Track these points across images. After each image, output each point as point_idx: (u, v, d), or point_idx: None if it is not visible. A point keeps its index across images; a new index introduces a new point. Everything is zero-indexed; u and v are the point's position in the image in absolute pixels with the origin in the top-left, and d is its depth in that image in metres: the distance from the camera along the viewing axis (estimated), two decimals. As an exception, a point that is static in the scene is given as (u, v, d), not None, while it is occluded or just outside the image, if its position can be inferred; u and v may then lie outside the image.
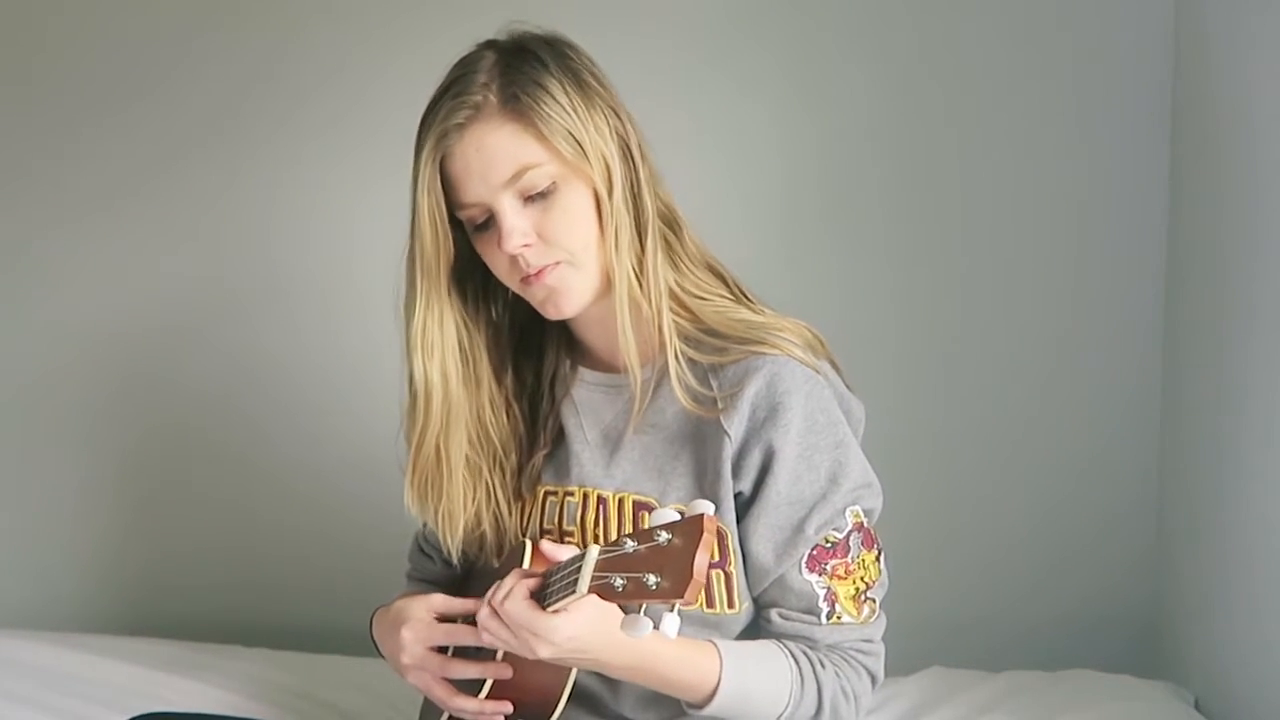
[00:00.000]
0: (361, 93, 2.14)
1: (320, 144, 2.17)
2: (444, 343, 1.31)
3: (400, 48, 2.10)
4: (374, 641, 1.43)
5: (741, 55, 2.08)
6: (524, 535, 1.35)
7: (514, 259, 1.26)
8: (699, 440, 1.29)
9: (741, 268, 1.39)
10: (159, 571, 2.29)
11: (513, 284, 1.30)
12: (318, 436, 2.21)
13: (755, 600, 1.31)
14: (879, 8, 2.04)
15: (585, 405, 1.37)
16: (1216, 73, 1.83)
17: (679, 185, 1.37)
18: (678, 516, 1.04)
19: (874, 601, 1.31)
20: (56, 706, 1.78)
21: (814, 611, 1.28)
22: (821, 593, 1.28)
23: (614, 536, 1.28)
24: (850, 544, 1.28)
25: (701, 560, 1.00)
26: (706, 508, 1.03)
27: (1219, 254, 1.81)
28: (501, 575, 1.20)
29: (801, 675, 1.25)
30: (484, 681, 1.27)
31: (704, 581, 1.01)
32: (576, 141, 1.24)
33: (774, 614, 1.29)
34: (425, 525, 1.53)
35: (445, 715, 1.34)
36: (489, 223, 1.26)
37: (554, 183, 1.25)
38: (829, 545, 1.27)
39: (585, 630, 1.14)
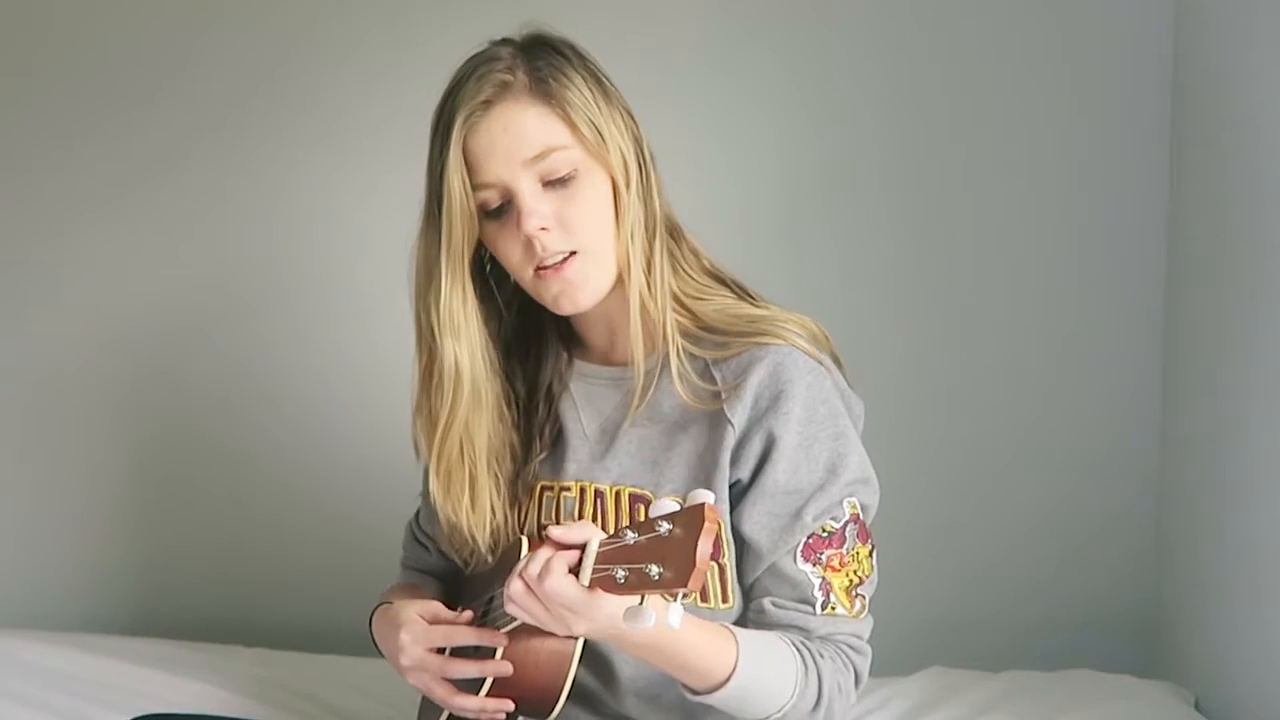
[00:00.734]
0: (363, 93, 2.15)
1: (322, 144, 2.17)
2: (469, 324, 1.30)
3: (402, 48, 2.11)
4: (374, 640, 1.43)
5: (741, 55, 2.08)
6: (521, 532, 1.35)
7: (529, 244, 1.25)
8: (698, 430, 1.29)
9: (741, 268, 1.40)
10: (159, 571, 2.29)
11: (524, 275, 1.28)
12: (318, 437, 2.21)
13: (747, 591, 1.31)
14: (879, 8, 2.05)
15: (584, 399, 1.37)
16: (1216, 72, 1.83)
17: (678, 185, 1.37)
18: (677, 507, 1.04)
19: (864, 598, 1.31)
20: (57, 706, 1.78)
21: (809, 601, 1.27)
22: (816, 582, 1.27)
23: (612, 530, 1.28)
24: (846, 535, 1.28)
25: (704, 549, 1.00)
26: (707, 497, 1.03)
27: (1219, 254, 1.81)
28: (497, 573, 1.19)
29: (805, 667, 1.24)
30: (484, 680, 1.27)
31: (706, 570, 1.00)
32: (599, 131, 1.25)
33: (768, 603, 1.28)
34: (419, 515, 1.54)
35: (445, 715, 1.34)
36: (503, 209, 1.26)
37: (575, 169, 1.25)
38: (825, 535, 1.27)
39: (618, 609, 1.09)
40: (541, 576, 1.09)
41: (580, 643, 1.25)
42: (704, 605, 1.29)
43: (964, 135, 2.05)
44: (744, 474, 1.28)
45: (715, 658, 1.20)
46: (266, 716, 1.75)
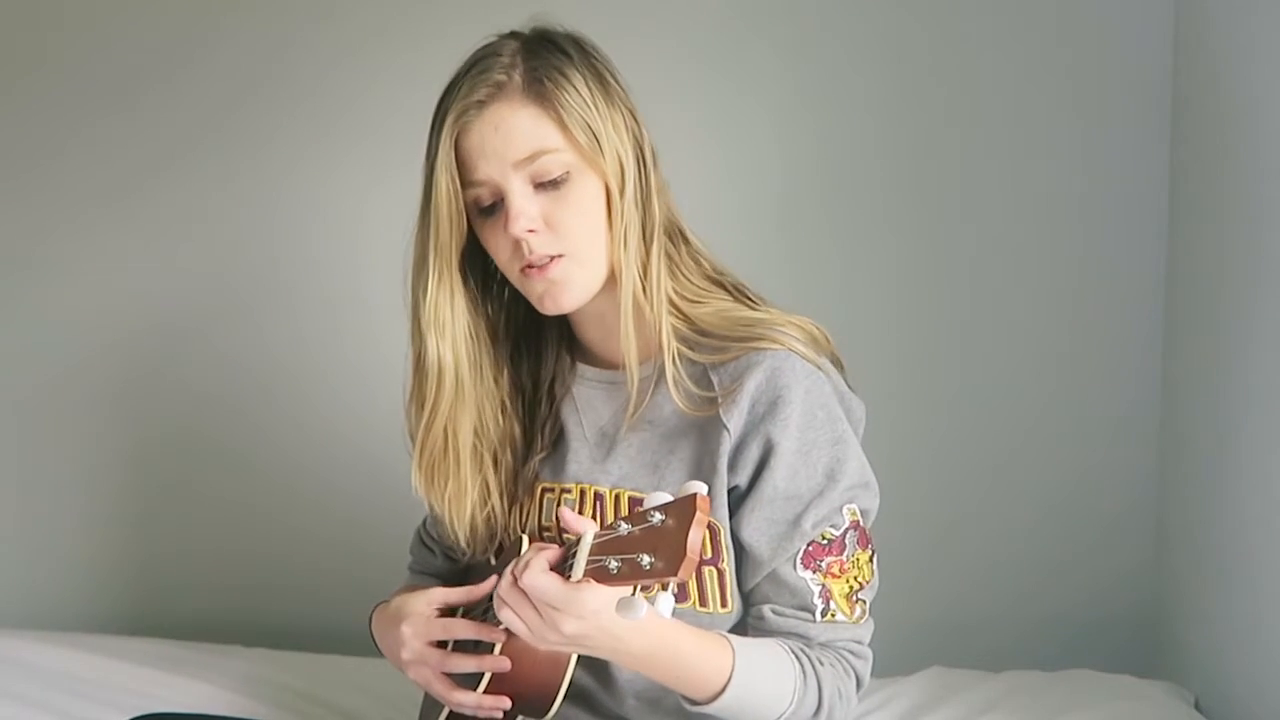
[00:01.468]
0: (364, 91, 2.15)
1: (323, 142, 2.17)
2: (455, 320, 1.30)
3: (403, 46, 2.11)
4: (373, 638, 1.43)
5: (741, 55, 2.08)
6: (522, 532, 1.35)
7: (517, 244, 1.25)
8: (696, 435, 1.29)
9: (741, 267, 1.39)
10: (159, 571, 2.29)
11: (512, 273, 1.29)
12: (318, 436, 2.21)
13: (746, 597, 1.31)
14: (879, 7, 2.05)
15: (585, 402, 1.37)
16: (1216, 73, 1.83)
17: (678, 185, 1.37)
18: (670, 498, 1.04)
19: (865, 603, 1.30)
20: (57, 706, 1.79)
21: (808, 608, 1.27)
22: (816, 589, 1.27)
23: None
24: (846, 542, 1.28)
25: (695, 537, 1.00)
26: (699, 488, 1.03)
27: (1219, 256, 1.81)
28: (497, 572, 1.19)
29: (804, 674, 1.24)
30: (482, 677, 1.28)
31: (697, 559, 1.00)
32: (594, 135, 1.24)
33: (767, 610, 1.28)
34: (427, 519, 1.54)
35: (445, 711, 1.34)
36: (495, 206, 1.26)
37: (567, 172, 1.24)
38: (825, 542, 1.27)
39: (605, 608, 1.09)
40: (523, 572, 1.10)
41: None
42: (703, 610, 1.29)
43: (964, 135, 2.05)
44: (742, 480, 1.28)
45: (711, 666, 1.19)
46: (266, 716, 1.75)
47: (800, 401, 1.26)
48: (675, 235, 1.34)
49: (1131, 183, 2.01)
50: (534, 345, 1.40)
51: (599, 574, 1.04)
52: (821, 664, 1.26)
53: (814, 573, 1.27)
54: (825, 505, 1.27)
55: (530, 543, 1.25)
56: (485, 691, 1.27)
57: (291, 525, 2.23)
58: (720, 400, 1.27)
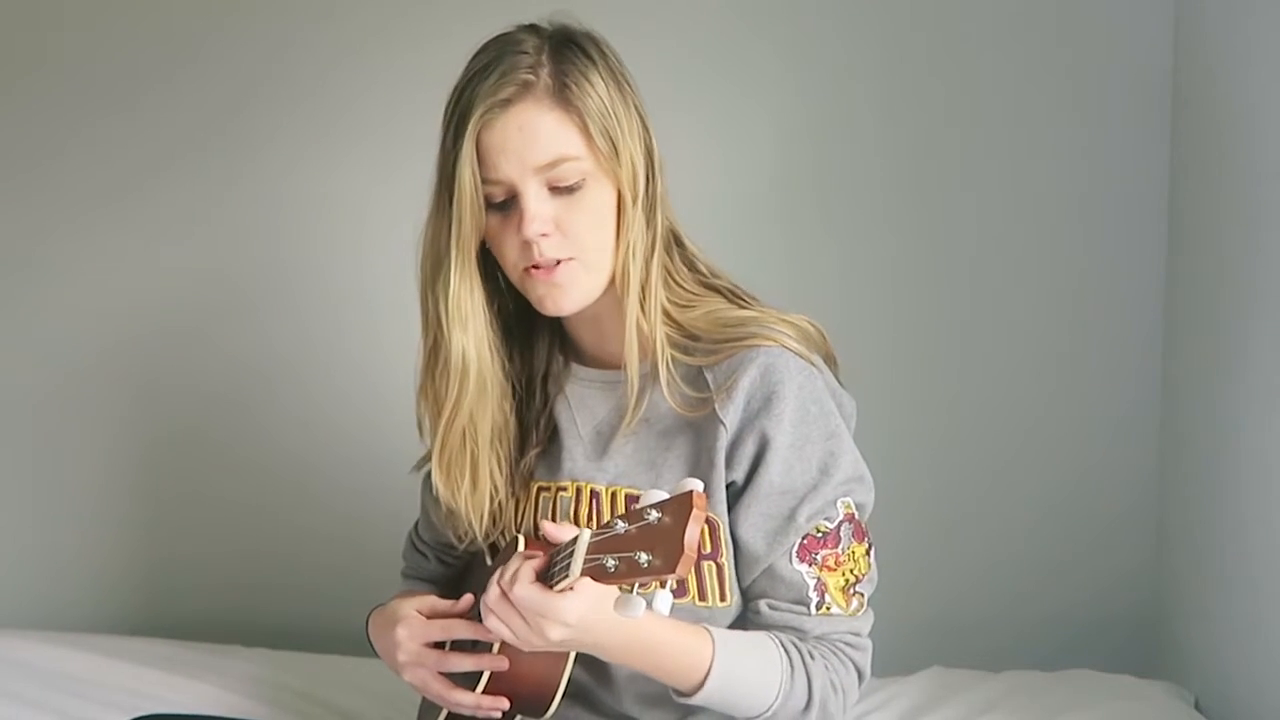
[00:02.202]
0: (365, 90, 2.15)
1: (325, 141, 2.17)
2: (476, 315, 1.30)
3: (405, 45, 2.11)
4: (369, 642, 1.43)
5: (742, 56, 2.08)
6: (517, 531, 1.35)
7: (526, 245, 1.25)
8: (693, 431, 1.29)
9: (739, 267, 1.39)
10: (159, 571, 2.29)
11: (515, 272, 1.28)
12: (319, 436, 2.22)
13: (744, 592, 1.31)
14: (879, 8, 2.05)
15: (579, 401, 1.37)
16: (1216, 73, 1.83)
17: (678, 184, 1.37)
18: (666, 496, 1.04)
19: (862, 595, 1.31)
20: (58, 706, 1.79)
21: (803, 602, 1.27)
22: (811, 583, 1.27)
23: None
24: (841, 535, 1.28)
25: (692, 535, 1.00)
26: (695, 485, 1.03)
27: (1219, 255, 1.81)
28: (495, 573, 1.19)
29: (792, 666, 1.24)
30: (480, 676, 1.27)
31: (695, 556, 1.00)
32: (613, 142, 1.24)
33: (763, 605, 1.29)
34: (418, 523, 1.55)
35: (444, 712, 1.34)
36: (507, 204, 1.26)
37: (583, 179, 1.24)
38: (820, 535, 1.27)
39: (589, 612, 1.12)
40: (510, 583, 1.13)
41: None
42: (703, 604, 1.29)
43: (963, 134, 2.05)
44: (738, 475, 1.28)
45: (690, 657, 1.21)
46: (266, 716, 1.75)
47: (794, 397, 1.26)
48: (671, 245, 1.34)
49: (1131, 183, 2.01)
50: (526, 338, 1.40)
51: (596, 572, 1.04)
52: (813, 657, 1.26)
53: (809, 566, 1.27)
54: (819, 499, 1.27)
55: (525, 543, 1.25)
56: (484, 691, 1.27)
57: (291, 525, 2.23)
58: (715, 397, 1.27)
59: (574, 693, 1.31)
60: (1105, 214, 2.03)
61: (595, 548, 1.05)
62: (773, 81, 2.08)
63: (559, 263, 1.26)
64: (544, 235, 1.24)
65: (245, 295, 2.22)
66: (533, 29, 1.28)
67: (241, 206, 2.21)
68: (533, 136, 1.23)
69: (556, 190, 1.24)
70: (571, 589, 1.10)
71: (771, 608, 1.28)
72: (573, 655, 1.26)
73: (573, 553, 1.08)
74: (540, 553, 1.16)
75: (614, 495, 1.31)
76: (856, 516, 1.30)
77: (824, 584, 1.28)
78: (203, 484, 2.26)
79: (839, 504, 1.28)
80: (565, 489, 1.34)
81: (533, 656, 1.23)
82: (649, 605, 1.02)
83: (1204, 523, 1.85)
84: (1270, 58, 1.65)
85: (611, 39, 1.32)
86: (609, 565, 1.03)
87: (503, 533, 1.37)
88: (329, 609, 2.14)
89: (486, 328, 1.31)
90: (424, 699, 1.45)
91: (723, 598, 1.30)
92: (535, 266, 1.26)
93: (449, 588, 1.50)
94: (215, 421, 2.25)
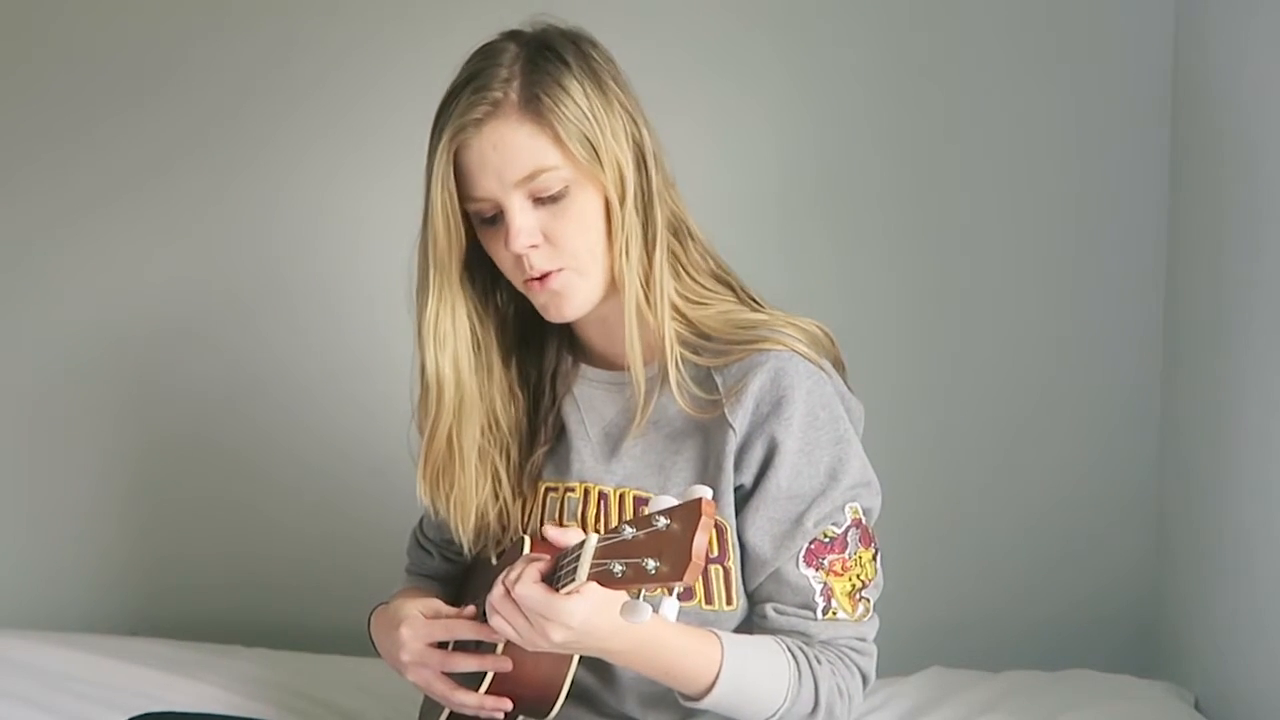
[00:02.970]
0: (363, 92, 2.14)
1: (322, 143, 2.17)
2: (456, 333, 1.31)
3: (403, 46, 2.11)
4: (371, 641, 1.43)
5: (742, 55, 2.08)
6: (524, 531, 1.35)
7: (519, 259, 1.26)
8: (701, 434, 1.29)
9: (740, 268, 1.39)
10: (159, 572, 2.29)
11: (516, 282, 1.30)
12: (318, 436, 2.21)
13: (750, 596, 1.31)
14: (879, 8, 2.05)
15: (587, 402, 1.37)
16: (1216, 72, 1.83)
17: (679, 184, 1.36)
18: (675, 502, 1.04)
19: (868, 601, 1.31)
20: (57, 706, 1.78)
21: (810, 606, 1.28)
22: (818, 588, 1.27)
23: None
24: (848, 540, 1.28)
25: (700, 542, 1.00)
26: (704, 492, 1.03)
27: (1219, 254, 1.81)
28: (500, 573, 1.19)
29: (799, 671, 1.25)
30: (483, 677, 1.27)
31: (703, 564, 1.00)
32: (593, 147, 1.24)
33: (769, 609, 1.29)
34: (423, 521, 1.54)
35: (446, 713, 1.34)
36: (497, 218, 1.26)
37: (566, 186, 1.24)
38: (827, 540, 1.27)
39: (594, 614, 1.12)
40: (515, 583, 1.13)
41: None
42: (709, 608, 1.29)
43: (963, 135, 2.05)
44: (747, 479, 1.28)
45: (699, 661, 1.21)
46: (266, 716, 1.75)
47: (803, 401, 1.26)
48: (682, 232, 1.33)
49: (1131, 182, 2.01)
50: (537, 336, 1.41)
51: (603, 577, 1.04)
52: (820, 662, 1.27)
53: (816, 570, 1.27)
54: (827, 504, 1.27)
55: (531, 544, 1.25)
56: (487, 692, 1.27)
57: (291, 525, 2.23)
58: (725, 400, 1.27)
59: (576, 693, 1.31)
60: (1105, 214, 2.03)
61: (602, 552, 1.05)
62: (773, 81, 2.08)
63: (552, 273, 1.26)
64: (533, 247, 1.25)
65: (243, 296, 2.22)
66: (514, 36, 1.28)
67: (240, 208, 2.21)
68: (508, 153, 1.23)
69: (540, 201, 1.24)
70: (577, 592, 1.10)
71: (778, 612, 1.29)
72: (576, 656, 1.26)
73: (579, 556, 1.08)
74: (546, 555, 1.16)
75: (622, 497, 1.31)
76: (864, 522, 1.30)
77: (830, 589, 1.28)
78: (202, 484, 2.26)
79: (847, 509, 1.28)
80: (573, 490, 1.34)
81: (537, 657, 1.23)
82: (655, 611, 1.02)
83: (1204, 523, 1.85)
84: (1270, 58, 1.65)
85: (611, 39, 1.32)
86: (616, 570, 1.03)
87: (507, 533, 1.37)
88: (329, 609, 2.14)
89: (469, 345, 1.32)
90: (426, 699, 1.45)
91: (729, 601, 1.30)
92: (532, 278, 1.26)
93: (453, 585, 1.50)
94: (215, 421, 2.24)
